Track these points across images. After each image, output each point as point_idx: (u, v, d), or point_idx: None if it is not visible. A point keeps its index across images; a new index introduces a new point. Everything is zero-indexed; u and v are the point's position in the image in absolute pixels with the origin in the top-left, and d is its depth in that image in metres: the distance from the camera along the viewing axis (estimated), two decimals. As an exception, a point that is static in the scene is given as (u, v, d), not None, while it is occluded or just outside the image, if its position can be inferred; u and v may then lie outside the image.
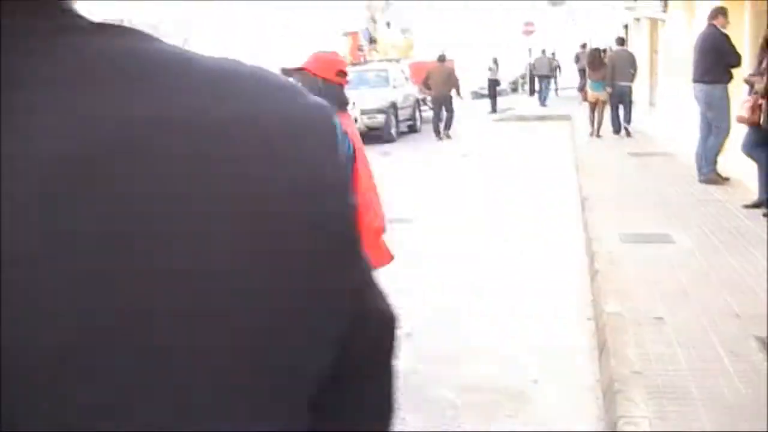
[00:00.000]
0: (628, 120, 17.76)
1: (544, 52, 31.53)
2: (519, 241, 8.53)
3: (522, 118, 25.13)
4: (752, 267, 6.61)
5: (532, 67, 32.61)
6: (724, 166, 11.20)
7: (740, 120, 8.96)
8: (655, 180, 11.28)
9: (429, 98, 22.47)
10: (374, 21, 29.69)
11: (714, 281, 6.28)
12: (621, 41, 19.19)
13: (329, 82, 4.13)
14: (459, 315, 6.26)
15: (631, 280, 6.43)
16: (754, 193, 9.19)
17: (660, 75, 19.88)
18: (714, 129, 10.69)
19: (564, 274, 7.23)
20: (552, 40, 38.43)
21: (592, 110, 18.13)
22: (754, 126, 8.67)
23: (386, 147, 18.69)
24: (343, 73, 4.21)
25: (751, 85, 8.81)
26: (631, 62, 17.87)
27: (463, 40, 39.16)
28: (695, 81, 10.82)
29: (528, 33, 35.33)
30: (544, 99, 29.63)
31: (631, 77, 17.57)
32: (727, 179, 10.76)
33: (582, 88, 22.24)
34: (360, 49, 28.57)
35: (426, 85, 21.42)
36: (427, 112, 27.25)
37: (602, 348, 5.24)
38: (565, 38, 40.28)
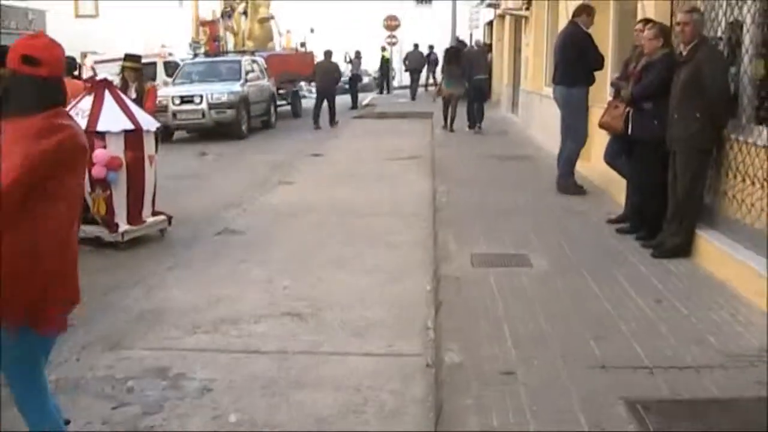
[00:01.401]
0: (480, 116, 18.11)
1: (416, 46, 30.50)
2: (359, 262, 7.40)
3: (382, 116, 24.17)
4: (618, 298, 5.70)
5: (405, 61, 32.04)
6: (590, 172, 10.47)
7: (603, 126, 8.12)
8: (514, 188, 10.40)
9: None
10: (232, 10, 28.07)
11: (576, 319, 5.30)
12: (461, 42, 22.86)
13: (19, 73, 2.90)
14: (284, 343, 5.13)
15: (480, 317, 5.39)
16: (619, 206, 8.40)
17: (522, 75, 19.20)
18: (572, 134, 9.92)
19: (405, 306, 6.12)
20: (418, 36, 37.67)
21: (446, 105, 18.50)
22: (618, 134, 7.84)
23: (224, 146, 17.35)
24: (32, 60, 2.94)
25: (618, 89, 7.96)
26: (483, 56, 19.38)
27: (325, 32, 37.96)
28: (554, 82, 10.06)
29: (391, 28, 34.49)
30: (414, 93, 29.13)
31: (485, 70, 18.73)
32: (581, 188, 9.96)
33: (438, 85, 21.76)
34: (216, 39, 26.94)
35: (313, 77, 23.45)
36: (285, 107, 26.09)
37: (438, 413, 4.15)
38: (431, 35, 39.65)
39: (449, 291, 5.98)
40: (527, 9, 17.75)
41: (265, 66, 22.45)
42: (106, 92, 7.66)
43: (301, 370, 4.91)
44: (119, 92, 7.92)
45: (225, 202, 10.42)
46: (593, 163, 10.94)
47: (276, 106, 22.68)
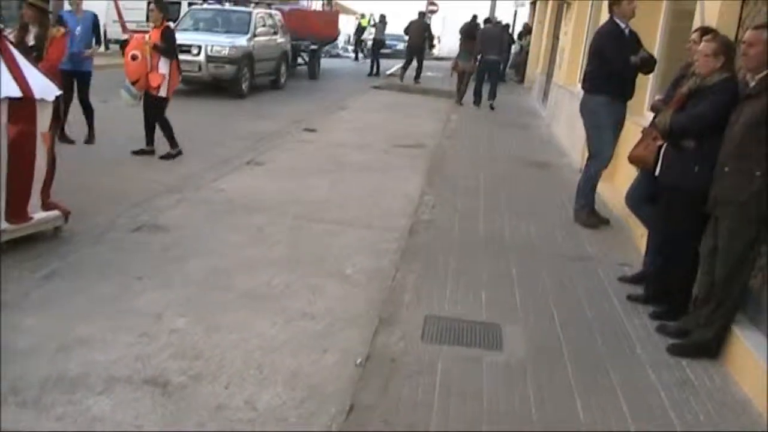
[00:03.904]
0: (492, 95, 18.59)
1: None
2: (284, 302, 5.67)
3: (403, 89, 22.28)
4: (605, 424, 3.97)
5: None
6: (613, 196, 8.68)
7: (634, 159, 6.28)
8: (516, 208, 8.62)
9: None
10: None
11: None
12: (486, 19, 22.23)
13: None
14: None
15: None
16: (639, 254, 6.61)
17: (557, 66, 17.25)
18: (592, 152, 8.16)
19: (313, 393, 4.35)
20: (460, 7, 35.58)
21: (460, 80, 19.25)
22: (647, 171, 6.03)
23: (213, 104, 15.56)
24: None
25: (656, 113, 6.10)
26: (500, 38, 19.31)
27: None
28: (581, 86, 8.27)
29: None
30: (405, 72, 25.16)
31: (499, 50, 19.06)
32: (604, 220, 8.21)
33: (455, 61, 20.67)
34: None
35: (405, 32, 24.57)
36: (302, 67, 24.30)
37: None
38: (476, 7, 37.51)
39: (374, 385, 4.23)
40: (569, -8, 15.77)
41: (282, 21, 20.64)
42: (-10, 45, 5.88)
43: None
44: (9, 44, 6.08)
45: (168, 183, 8.70)
46: (617, 184, 9.16)
47: (288, 66, 20.88)
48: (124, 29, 22.48)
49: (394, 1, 36.28)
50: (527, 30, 28.09)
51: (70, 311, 5.08)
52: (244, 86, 17.48)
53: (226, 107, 15.85)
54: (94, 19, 10.64)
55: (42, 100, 6.01)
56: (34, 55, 7.05)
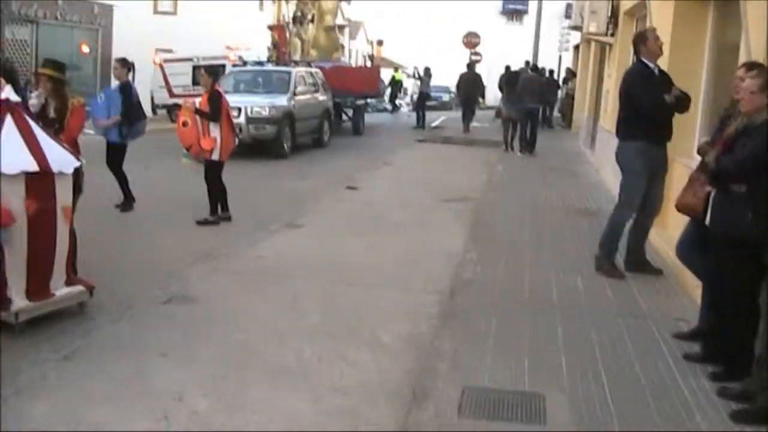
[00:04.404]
0: (533, 141, 18.90)
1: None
2: (315, 377, 5.36)
3: (448, 141, 22.04)
4: None
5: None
6: (667, 244, 8.24)
7: (681, 208, 5.88)
8: (563, 261, 8.24)
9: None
10: (303, 16, 26.30)
11: None
12: (533, 67, 23.17)
13: None
14: None
15: None
16: (697, 307, 6.17)
17: (602, 109, 16.86)
18: (620, 198, 7.80)
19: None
20: (503, 55, 35.42)
21: (505, 128, 19.52)
22: (696, 219, 5.63)
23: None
24: None
25: (703, 156, 5.70)
26: (539, 85, 19.99)
27: (401, 45, 36.53)
28: (616, 134, 7.95)
29: (470, 45, 32.30)
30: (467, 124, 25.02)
31: (539, 97, 19.65)
32: (659, 272, 7.78)
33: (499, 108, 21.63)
34: (283, 45, 25.12)
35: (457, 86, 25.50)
36: (347, 123, 24.33)
37: None
38: (521, 53, 37.40)
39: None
40: (611, 35, 15.42)
41: (324, 79, 20.64)
42: (8, 117, 5.73)
43: None
44: (27, 116, 5.93)
45: (203, 251, 8.47)
46: (670, 231, 8.71)
47: (331, 123, 20.80)
48: (171, 94, 22.75)
49: (437, 53, 36.28)
50: (572, 74, 27.79)
51: (87, 394, 4.83)
52: (286, 146, 17.38)
53: (266, 168, 15.75)
54: (121, 88, 10.58)
55: (60, 173, 5.83)
56: (56, 127, 6.94)
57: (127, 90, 10.54)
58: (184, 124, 9.98)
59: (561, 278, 7.57)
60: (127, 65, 10.69)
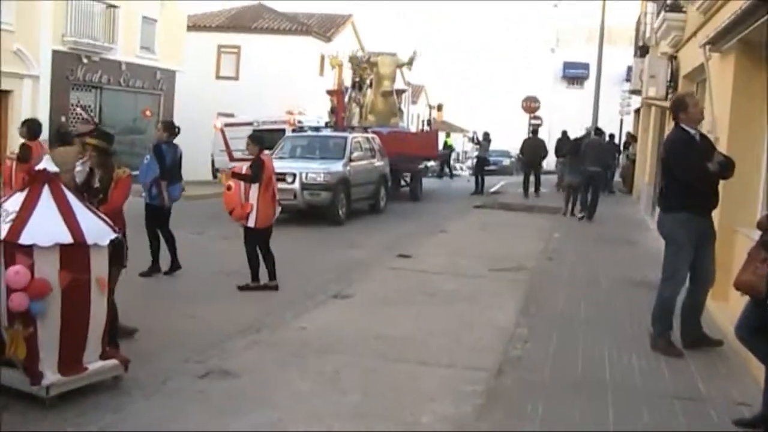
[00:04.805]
0: (594, 207, 18.57)
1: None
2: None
3: (506, 207, 21.75)
4: None
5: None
6: (728, 317, 7.82)
7: (740, 286, 5.54)
8: (616, 338, 7.87)
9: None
10: (361, 81, 26.46)
11: None
12: (596, 130, 22.68)
13: None
14: None
15: None
16: (759, 389, 5.76)
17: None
18: (667, 275, 7.43)
19: None
20: (564, 120, 35.21)
21: (568, 194, 19.56)
22: (758, 299, 5.28)
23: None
24: None
25: (763, 231, 5.37)
26: (601, 149, 19.94)
27: (469, 108, 36.77)
28: (658, 204, 7.66)
29: (529, 109, 32.12)
30: (526, 190, 24.66)
31: (602, 162, 19.40)
32: (719, 343, 7.39)
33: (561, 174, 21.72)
34: (341, 110, 25.25)
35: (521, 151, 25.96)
36: (404, 188, 24.27)
37: None
38: (579, 119, 37.19)
39: None
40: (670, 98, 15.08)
41: (380, 144, 20.63)
42: (45, 188, 5.70)
43: None
44: (64, 188, 5.87)
45: (246, 322, 8.31)
46: (732, 304, 8.29)
47: (387, 189, 20.71)
48: (231, 158, 22.97)
49: (498, 117, 36.21)
50: (632, 139, 27.40)
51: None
52: (341, 212, 17.31)
53: (319, 234, 15.66)
54: (154, 149, 10.66)
55: (95, 245, 5.75)
56: (100, 198, 6.90)
57: (158, 151, 10.60)
58: (229, 188, 10.06)
59: (615, 356, 7.21)
60: (167, 128, 10.82)
